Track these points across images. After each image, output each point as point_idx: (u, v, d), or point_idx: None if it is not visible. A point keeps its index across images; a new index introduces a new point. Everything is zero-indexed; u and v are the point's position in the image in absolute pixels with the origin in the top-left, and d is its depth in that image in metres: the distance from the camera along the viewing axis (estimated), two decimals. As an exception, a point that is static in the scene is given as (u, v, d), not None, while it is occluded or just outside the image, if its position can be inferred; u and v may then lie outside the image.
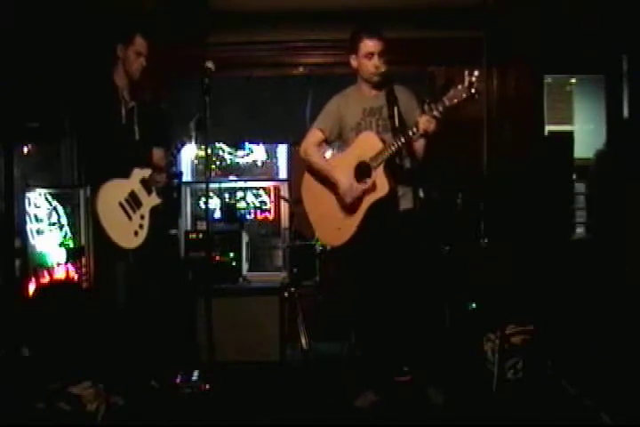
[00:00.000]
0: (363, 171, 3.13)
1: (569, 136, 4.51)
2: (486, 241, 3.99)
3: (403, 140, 2.98)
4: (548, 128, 4.78)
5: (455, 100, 2.83)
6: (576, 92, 4.88)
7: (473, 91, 2.77)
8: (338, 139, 3.34)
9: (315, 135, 3.34)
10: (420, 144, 3.13)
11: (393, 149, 3.00)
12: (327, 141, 3.36)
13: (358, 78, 3.26)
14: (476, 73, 2.78)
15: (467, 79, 2.79)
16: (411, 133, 2.96)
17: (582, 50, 4.49)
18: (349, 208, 3.17)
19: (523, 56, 4.56)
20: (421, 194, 3.23)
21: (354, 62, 3.20)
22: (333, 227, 3.25)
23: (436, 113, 2.88)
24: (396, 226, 3.08)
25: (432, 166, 3.26)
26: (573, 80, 4.88)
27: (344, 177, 3.18)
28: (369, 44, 3.11)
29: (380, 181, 3.04)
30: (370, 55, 3.12)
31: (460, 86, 2.81)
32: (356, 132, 3.20)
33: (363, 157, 3.11)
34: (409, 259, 3.08)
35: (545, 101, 4.75)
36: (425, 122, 2.89)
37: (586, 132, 4.80)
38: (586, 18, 4.26)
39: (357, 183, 3.12)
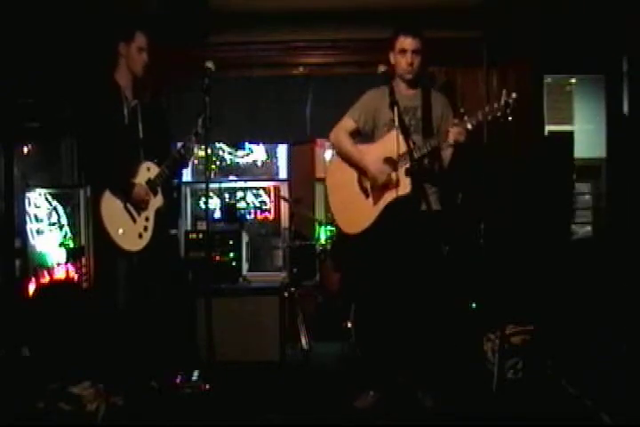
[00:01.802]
0: (388, 165, 3.17)
1: (569, 136, 4.51)
2: (486, 241, 3.99)
3: (431, 146, 3.07)
4: (548, 128, 4.77)
5: (489, 117, 2.92)
6: (576, 92, 4.88)
7: (508, 111, 2.88)
8: (370, 132, 3.34)
9: (347, 123, 3.36)
10: (448, 152, 3.19)
11: (420, 152, 3.07)
12: (359, 132, 3.37)
13: (396, 76, 3.27)
14: (514, 95, 2.89)
15: (503, 99, 2.89)
16: (441, 142, 3.04)
17: (582, 50, 4.49)
18: (371, 198, 3.23)
19: (523, 56, 4.56)
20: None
21: (391, 59, 3.24)
22: (352, 213, 3.30)
23: (469, 126, 2.96)
24: (416, 226, 3.11)
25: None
26: (573, 80, 4.87)
27: (373, 163, 3.21)
28: (403, 42, 3.18)
29: (403, 180, 3.09)
30: (403, 52, 3.18)
31: (496, 104, 2.91)
32: (387, 129, 3.21)
33: (390, 153, 3.13)
34: (423, 260, 3.11)
35: (545, 101, 4.75)
36: (456, 133, 2.98)
37: (586, 132, 4.80)
38: (586, 18, 4.25)
39: (386, 166, 3.16)
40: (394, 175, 3.13)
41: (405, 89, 3.24)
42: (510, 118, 2.89)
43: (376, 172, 3.18)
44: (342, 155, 3.38)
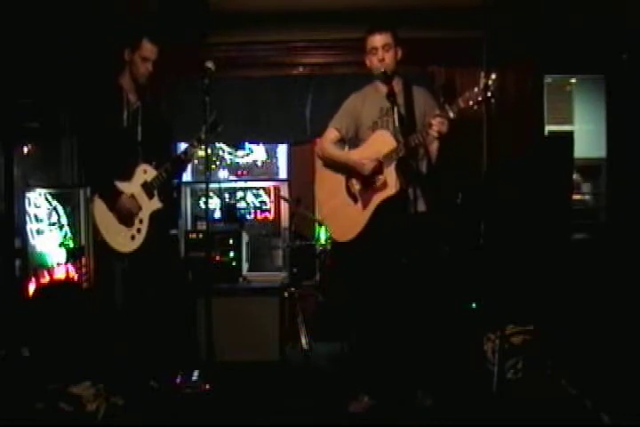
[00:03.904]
0: (374, 168, 3.14)
1: (569, 136, 4.51)
2: (486, 241, 3.99)
3: (414, 141, 3.00)
4: (548, 128, 4.78)
5: (470, 102, 2.83)
6: (576, 92, 4.88)
7: (489, 94, 2.78)
8: (354, 137, 3.33)
9: (331, 134, 3.35)
10: (434, 146, 3.16)
11: (405, 148, 3.01)
12: (344, 140, 3.36)
13: (375, 78, 3.25)
14: (493, 76, 2.79)
15: (482, 81, 2.80)
16: (424, 134, 2.97)
17: (582, 50, 4.49)
18: (360, 203, 3.20)
19: (523, 56, 4.56)
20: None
21: (367, 62, 3.22)
22: (343, 222, 3.27)
23: (450, 114, 2.88)
24: (407, 227, 3.07)
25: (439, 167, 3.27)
26: (573, 80, 4.88)
27: (358, 157, 3.19)
28: (371, 40, 3.15)
29: (391, 180, 3.06)
30: (374, 50, 3.15)
31: (475, 89, 2.81)
32: (372, 131, 3.21)
33: (376, 155, 3.13)
34: (416, 261, 3.08)
35: (545, 101, 4.75)
36: (438, 123, 2.90)
37: (586, 132, 4.80)
38: (586, 18, 4.25)
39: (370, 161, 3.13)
40: (381, 176, 3.11)
41: (385, 88, 3.16)
42: (493, 100, 2.81)
43: (362, 161, 3.14)
44: (328, 162, 3.36)
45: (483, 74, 2.81)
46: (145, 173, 3.27)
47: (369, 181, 3.18)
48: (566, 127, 4.83)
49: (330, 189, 3.37)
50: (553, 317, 3.72)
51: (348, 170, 3.27)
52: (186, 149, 3.29)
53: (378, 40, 3.14)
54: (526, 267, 4.03)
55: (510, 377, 3.44)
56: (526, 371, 3.46)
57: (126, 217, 3.21)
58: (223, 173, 5.73)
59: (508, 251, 4.00)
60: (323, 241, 4.62)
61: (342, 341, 4.00)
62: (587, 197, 4.90)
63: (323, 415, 3.18)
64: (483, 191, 3.81)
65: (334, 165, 3.34)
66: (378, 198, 3.13)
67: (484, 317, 3.83)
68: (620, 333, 3.52)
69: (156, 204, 3.30)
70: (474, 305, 4.00)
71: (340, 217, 3.30)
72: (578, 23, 4.33)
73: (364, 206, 3.19)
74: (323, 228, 4.62)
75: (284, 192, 5.05)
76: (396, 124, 2.97)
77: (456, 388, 3.29)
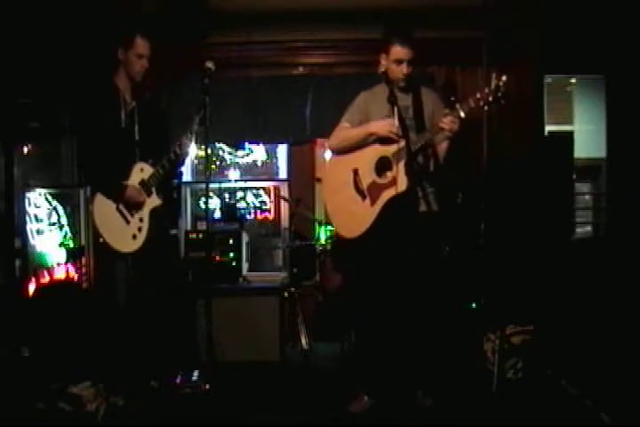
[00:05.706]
0: (383, 165, 3.15)
1: (569, 136, 4.51)
2: (486, 241, 3.99)
3: (425, 139, 3.03)
4: (548, 128, 4.78)
5: (481, 103, 2.86)
6: (576, 92, 4.88)
7: (499, 94, 2.82)
8: None
9: (343, 128, 3.32)
10: (443, 146, 3.17)
11: (416, 146, 3.02)
12: None
13: (381, 78, 3.23)
14: (504, 77, 2.83)
15: (494, 82, 2.83)
16: (434, 133, 3.00)
17: (582, 50, 4.49)
18: (369, 199, 3.19)
19: (523, 56, 4.56)
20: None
21: (383, 62, 3.19)
22: (351, 217, 3.25)
23: (461, 114, 2.91)
24: (414, 226, 3.09)
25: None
26: (573, 80, 4.88)
27: (376, 122, 3.15)
28: (400, 52, 3.11)
29: (400, 178, 3.05)
30: (399, 62, 3.12)
31: (486, 89, 2.85)
32: None
33: (384, 153, 3.13)
34: (422, 260, 3.09)
35: (545, 101, 4.75)
36: (449, 122, 2.92)
37: (586, 132, 4.80)
38: (586, 18, 4.26)
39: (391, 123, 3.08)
40: (390, 173, 3.11)
41: (397, 90, 3.19)
42: (503, 102, 2.84)
43: (382, 124, 3.10)
44: (346, 143, 3.27)
45: (494, 75, 2.86)
46: (141, 171, 3.26)
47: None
48: (566, 127, 4.83)
49: (336, 184, 3.34)
50: (553, 317, 3.72)
51: (367, 142, 3.20)
52: (179, 141, 3.25)
53: (405, 53, 3.10)
54: (526, 267, 4.03)
55: (510, 377, 3.45)
56: (526, 371, 3.47)
57: (134, 207, 3.21)
58: (234, 174, 5.74)
59: (508, 251, 4.00)
60: (323, 241, 4.62)
61: (342, 341, 4.00)
62: (587, 197, 4.91)
63: (323, 415, 3.18)
64: (483, 191, 3.82)
65: (352, 143, 3.26)
66: (387, 195, 3.11)
67: (484, 317, 3.83)
68: (620, 333, 3.52)
69: (155, 201, 3.30)
70: (474, 305, 4.00)
71: (347, 213, 3.27)
72: (578, 23, 4.33)
73: (373, 202, 3.17)
74: (323, 228, 4.62)
75: (284, 192, 5.05)
76: (396, 123, 2.99)
77: (456, 388, 3.29)
